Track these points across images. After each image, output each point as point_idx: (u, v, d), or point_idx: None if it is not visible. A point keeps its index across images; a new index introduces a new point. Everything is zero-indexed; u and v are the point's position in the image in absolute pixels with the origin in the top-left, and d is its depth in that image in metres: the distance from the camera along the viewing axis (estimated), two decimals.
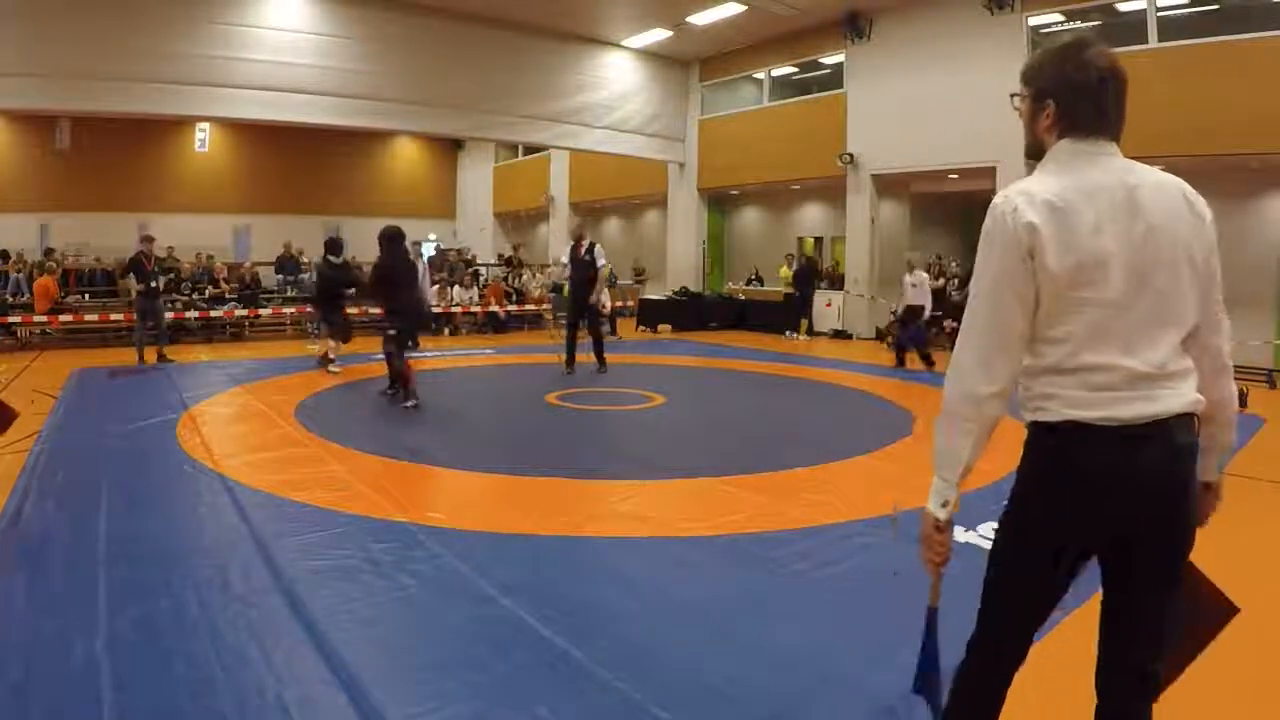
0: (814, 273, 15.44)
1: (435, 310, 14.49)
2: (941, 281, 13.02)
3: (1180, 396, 1.50)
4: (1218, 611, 1.79)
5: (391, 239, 7.23)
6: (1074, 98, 1.54)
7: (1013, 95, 1.67)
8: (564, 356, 9.41)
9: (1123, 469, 1.47)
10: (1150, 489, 1.49)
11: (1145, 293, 1.48)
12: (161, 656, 2.62)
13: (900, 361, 10.68)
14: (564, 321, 14.90)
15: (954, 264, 14.05)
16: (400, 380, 7.31)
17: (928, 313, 10.48)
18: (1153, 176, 1.54)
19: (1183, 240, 1.51)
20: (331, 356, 9.44)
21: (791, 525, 4.09)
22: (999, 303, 1.52)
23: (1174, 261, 1.50)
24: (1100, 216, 1.48)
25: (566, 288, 16.31)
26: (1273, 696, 2.56)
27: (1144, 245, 1.48)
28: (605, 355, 9.60)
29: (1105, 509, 1.50)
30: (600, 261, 9.12)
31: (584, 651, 2.69)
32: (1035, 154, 1.63)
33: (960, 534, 3.85)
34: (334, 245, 9.48)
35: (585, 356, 9.46)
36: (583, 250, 9.15)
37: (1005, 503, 1.64)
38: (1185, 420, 1.51)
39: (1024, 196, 1.51)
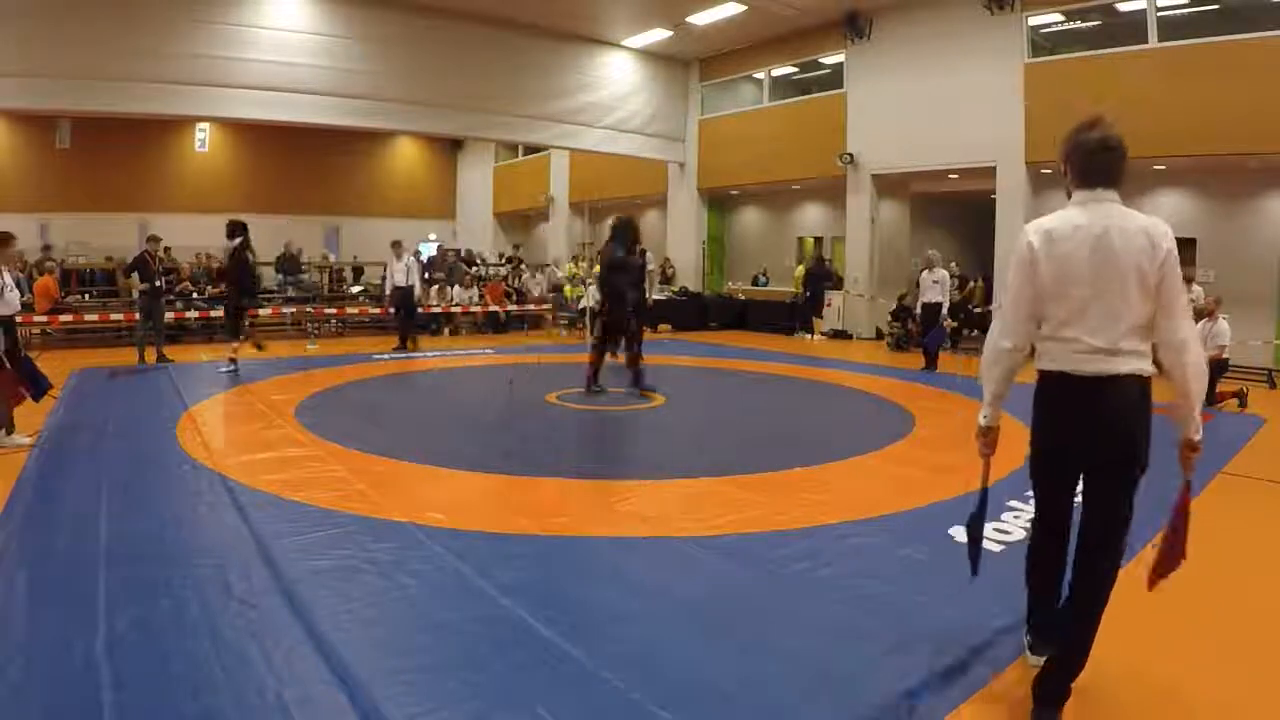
0: (825, 274, 15.38)
1: (435, 310, 14.53)
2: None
3: (1127, 364, 2.22)
4: (1178, 551, 2.42)
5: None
6: (1080, 162, 2.34)
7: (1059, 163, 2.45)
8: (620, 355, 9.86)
9: (1086, 404, 2.26)
10: (1105, 423, 2.24)
11: (1102, 297, 2.23)
12: (161, 656, 2.62)
13: (930, 365, 10.37)
14: (563, 321, 15.07)
15: (953, 264, 14.04)
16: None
17: (945, 309, 10.44)
18: (1123, 220, 2.24)
19: (1134, 264, 2.20)
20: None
21: (791, 525, 4.09)
22: (1016, 294, 2.36)
23: (1124, 278, 2.21)
24: (1077, 245, 2.26)
25: (567, 287, 16.46)
26: (1274, 693, 2.57)
27: (1102, 265, 2.23)
28: (607, 355, 9.78)
29: (1076, 429, 2.29)
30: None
31: (584, 651, 2.69)
32: (1069, 197, 2.38)
33: (962, 533, 3.85)
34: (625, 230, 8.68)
35: (585, 357, 9.47)
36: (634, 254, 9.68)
37: None
38: (1133, 380, 2.22)
39: (1035, 227, 2.35)
